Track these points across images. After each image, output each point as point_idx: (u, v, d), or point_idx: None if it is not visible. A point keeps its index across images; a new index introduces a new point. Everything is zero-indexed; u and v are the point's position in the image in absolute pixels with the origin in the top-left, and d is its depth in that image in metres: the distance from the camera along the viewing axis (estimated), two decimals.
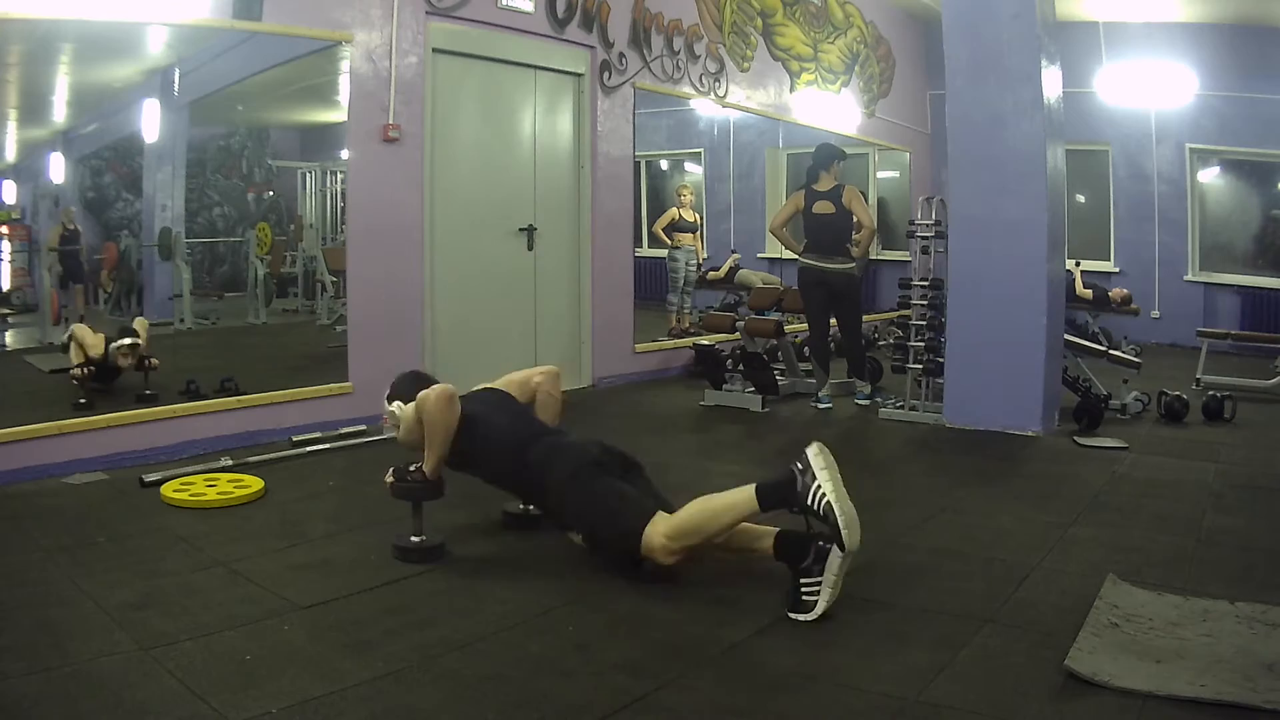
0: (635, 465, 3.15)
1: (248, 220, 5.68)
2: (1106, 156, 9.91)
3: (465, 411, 3.19)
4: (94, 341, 4.52)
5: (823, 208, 5.95)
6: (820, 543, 2.64)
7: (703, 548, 2.84)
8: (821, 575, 2.61)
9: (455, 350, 5.62)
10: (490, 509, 3.50)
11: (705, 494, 2.88)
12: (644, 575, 2.87)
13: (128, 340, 4.57)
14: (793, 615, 2.61)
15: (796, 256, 6.16)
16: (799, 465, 2.69)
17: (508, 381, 3.52)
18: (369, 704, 2.13)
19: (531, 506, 3.40)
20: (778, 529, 2.80)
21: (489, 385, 3.51)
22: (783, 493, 2.69)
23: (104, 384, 4.54)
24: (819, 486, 2.63)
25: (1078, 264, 8.59)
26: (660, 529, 2.79)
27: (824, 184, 6.01)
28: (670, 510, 2.91)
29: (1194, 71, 9.23)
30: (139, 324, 4.72)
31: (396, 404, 3.35)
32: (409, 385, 3.36)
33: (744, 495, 2.75)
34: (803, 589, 2.62)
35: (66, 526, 3.35)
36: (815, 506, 2.63)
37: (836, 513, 2.59)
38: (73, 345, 4.52)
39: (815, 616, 2.59)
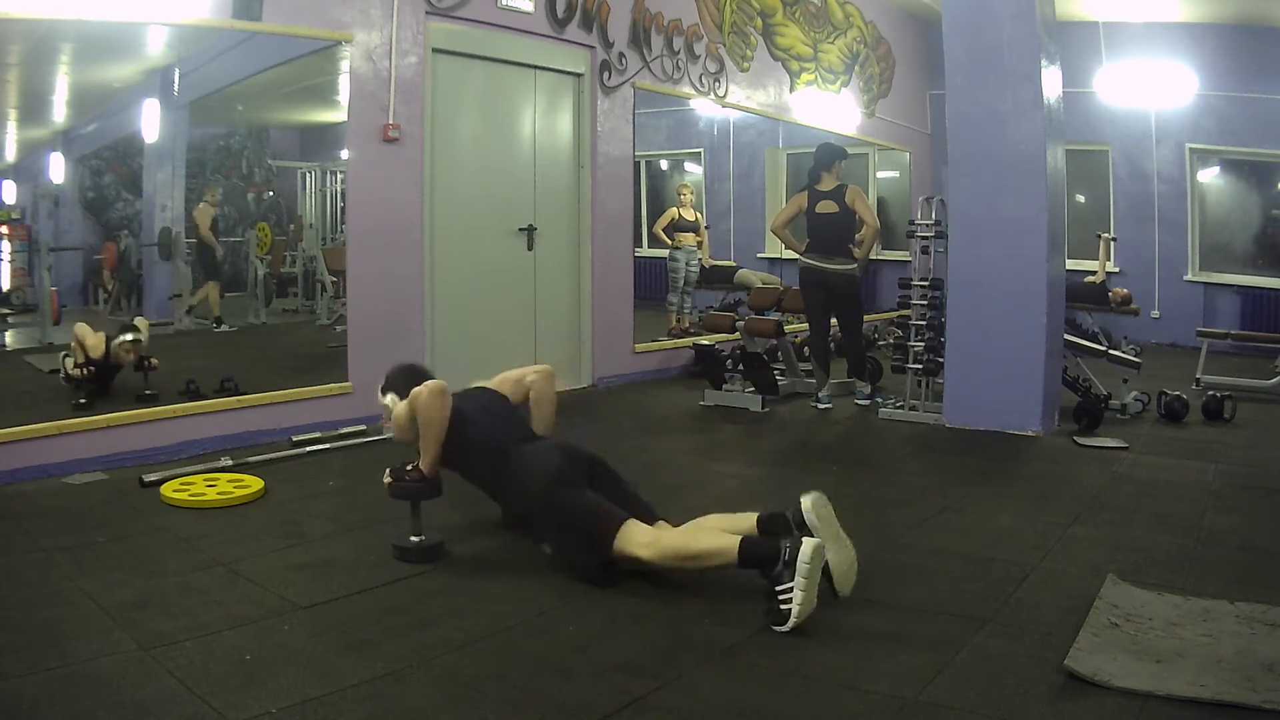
0: (598, 466, 3.12)
1: (248, 220, 5.69)
2: (1106, 156, 9.91)
3: (454, 408, 3.19)
4: (95, 342, 4.52)
5: (826, 207, 5.95)
6: (788, 545, 2.58)
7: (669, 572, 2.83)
8: (793, 580, 2.54)
9: (455, 350, 5.62)
10: (490, 509, 3.50)
11: (702, 517, 2.93)
12: (616, 580, 2.84)
13: (129, 336, 4.57)
14: (773, 627, 2.55)
15: (798, 256, 6.16)
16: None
17: (501, 380, 3.53)
18: (369, 704, 2.13)
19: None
20: (741, 536, 2.73)
21: (482, 384, 3.51)
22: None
23: (103, 382, 4.54)
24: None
25: (1112, 239, 8.79)
26: (637, 539, 2.80)
27: (826, 184, 6.01)
28: (644, 512, 2.94)
29: (1194, 71, 9.23)
30: (140, 323, 4.73)
31: (390, 396, 3.36)
32: (402, 378, 3.37)
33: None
34: (779, 596, 2.55)
35: (66, 526, 3.35)
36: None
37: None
38: (75, 346, 4.52)
39: (791, 626, 2.52)
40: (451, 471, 3.26)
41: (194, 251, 5.47)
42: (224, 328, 5.58)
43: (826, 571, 2.67)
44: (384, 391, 3.41)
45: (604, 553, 2.83)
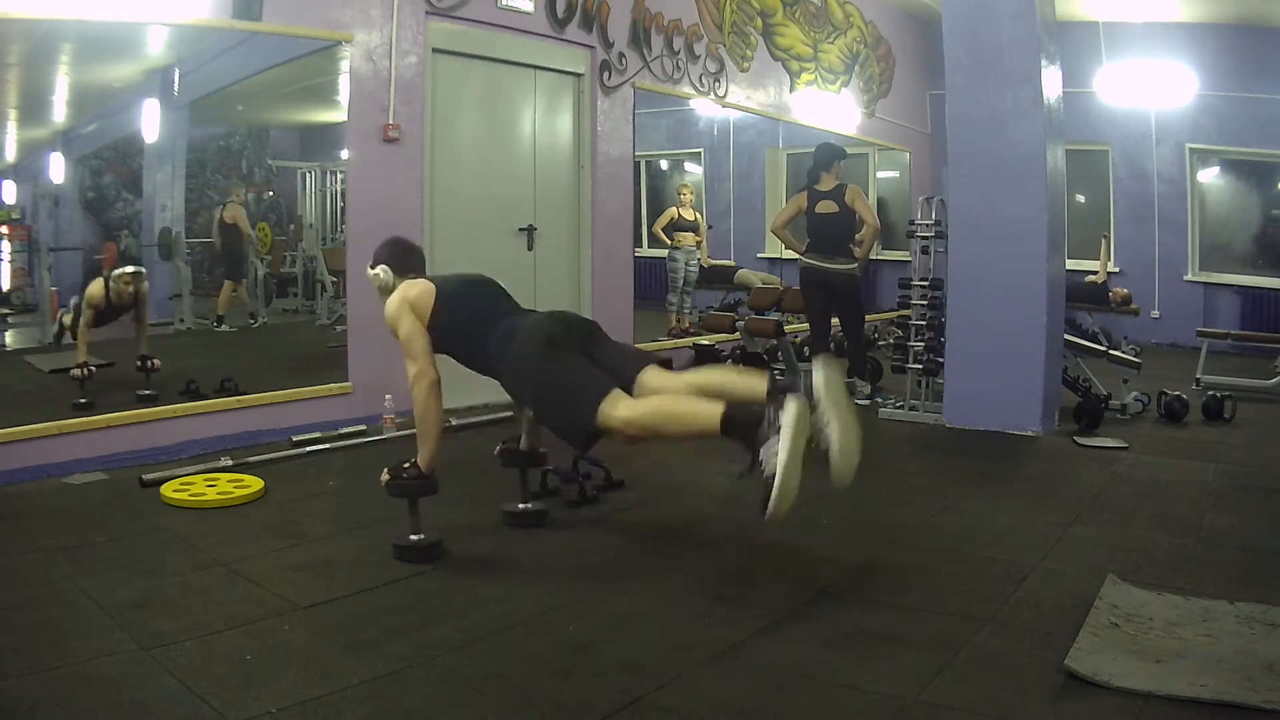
0: (594, 333, 3.11)
1: (248, 220, 5.69)
2: (1106, 156, 9.91)
3: (439, 289, 3.19)
4: (95, 289, 4.55)
5: (826, 207, 5.95)
6: (773, 408, 2.52)
7: (651, 438, 2.82)
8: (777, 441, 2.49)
9: None
10: (490, 509, 3.50)
11: (707, 370, 2.89)
12: (595, 447, 2.83)
13: (130, 269, 4.59)
14: (764, 508, 2.49)
15: (798, 257, 6.16)
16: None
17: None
18: (369, 704, 2.13)
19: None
20: (724, 405, 2.67)
21: (476, 273, 3.48)
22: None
23: (106, 324, 4.58)
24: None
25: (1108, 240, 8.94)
26: (620, 411, 2.76)
27: (826, 184, 6.01)
28: (630, 382, 2.89)
29: (1194, 71, 9.23)
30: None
31: (381, 267, 3.32)
32: (393, 252, 3.35)
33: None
34: (762, 467, 2.51)
35: (66, 526, 3.35)
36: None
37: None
38: (83, 307, 4.55)
39: (775, 496, 2.46)
40: (446, 355, 3.22)
41: (221, 250, 5.57)
42: (224, 327, 5.59)
43: (825, 452, 2.60)
44: (374, 264, 3.36)
45: (588, 421, 2.79)
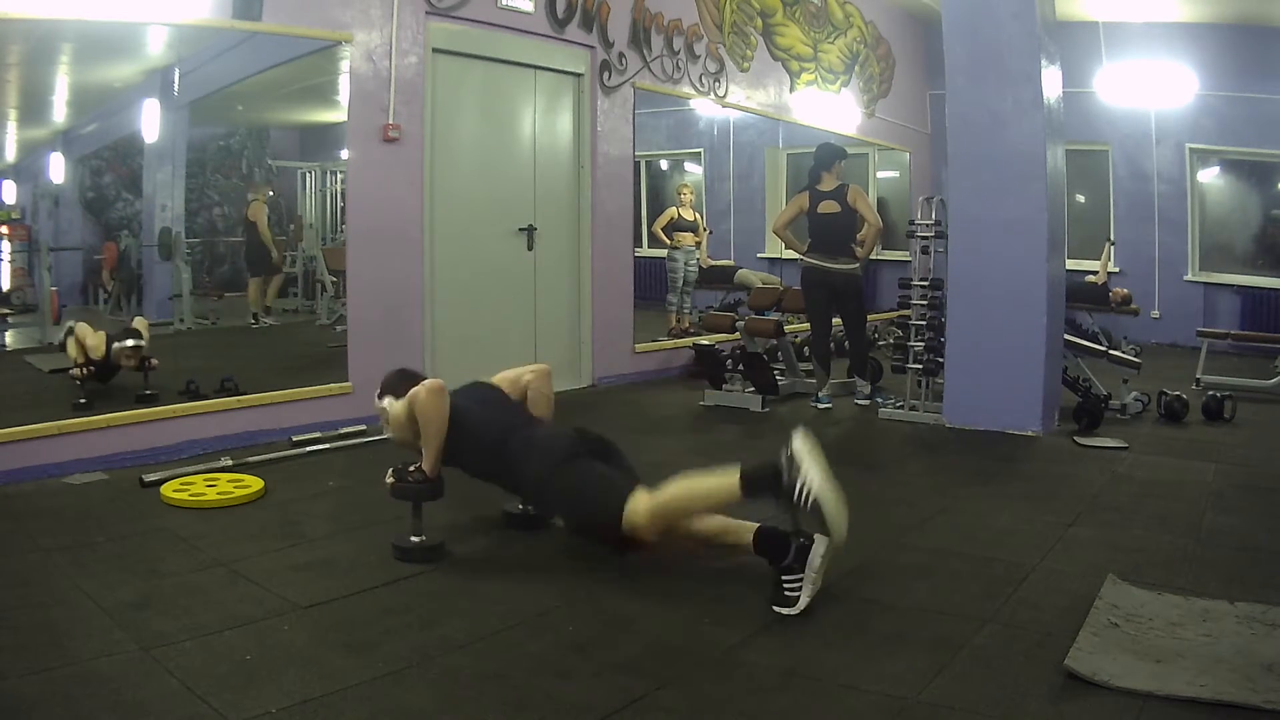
0: (611, 447, 3.17)
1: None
2: (1106, 156, 9.91)
3: (451, 404, 3.20)
4: (95, 342, 4.53)
5: (828, 207, 5.95)
6: (801, 540, 2.67)
7: (683, 531, 2.88)
8: (803, 571, 2.64)
9: (455, 350, 5.62)
10: (490, 509, 3.50)
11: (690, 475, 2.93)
12: (628, 556, 2.91)
13: (131, 342, 4.58)
14: (776, 609, 2.63)
15: (800, 257, 6.16)
16: (785, 455, 2.68)
17: (500, 380, 3.54)
18: (368, 704, 2.13)
19: (521, 504, 3.42)
20: (759, 524, 2.82)
21: (480, 380, 3.51)
22: (768, 484, 2.69)
23: (103, 383, 4.55)
24: (805, 480, 2.62)
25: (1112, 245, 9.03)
26: (642, 506, 2.82)
27: (827, 184, 6.01)
28: (649, 488, 2.93)
29: (1194, 71, 9.23)
30: (139, 323, 4.73)
31: (388, 399, 3.36)
32: (399, 381, 3.37)
33: (728, 482, 2.76)
34: (785, 585, 2.65)
35: (66, 526, 3.35)
36: (801, 501, 2.62)
37: (824, 505, 2.60)
38: (72, 342, 4.52)
39: (798, 611, 2.61)
40: (455, 468, 3.25)
41: (246, 247, 5.61)
42: (267, 321, 5.75)
43: (819, 513, 2.66)
44: (380, 396, 3.42)
45: (614, 519, 2.84)
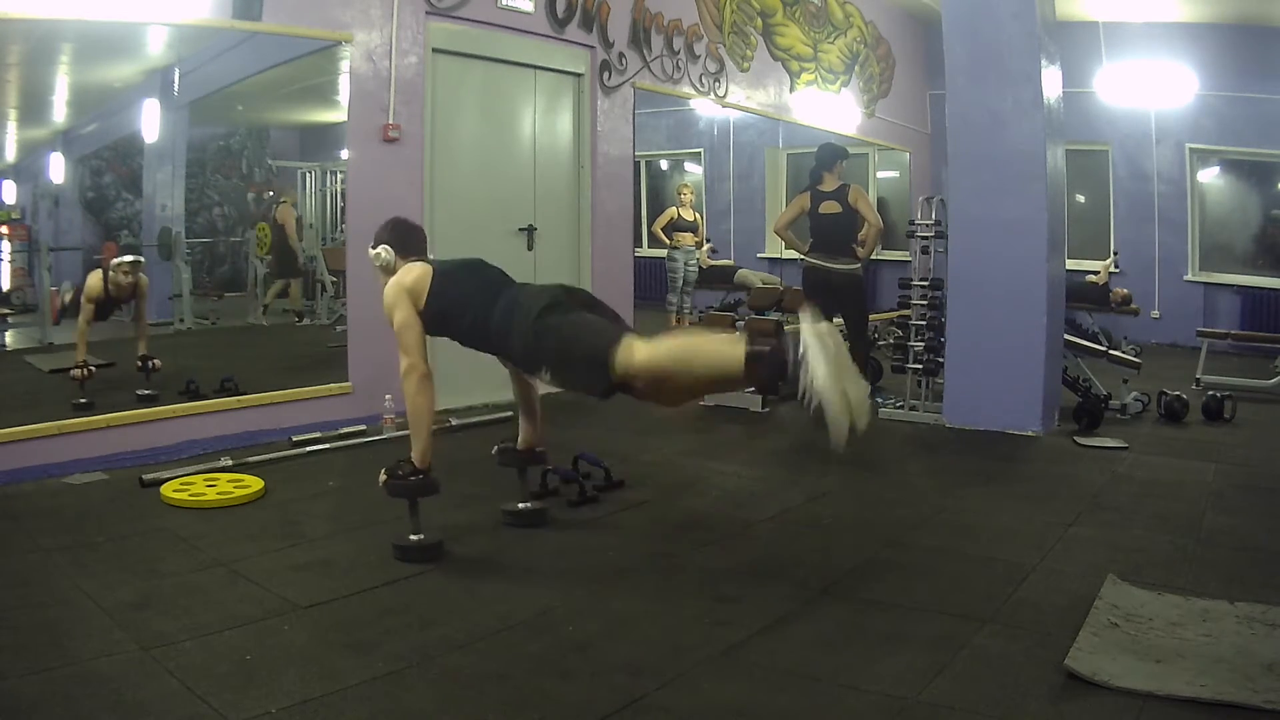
0: (599, 303, 3.09)
1: (248, 220, 5.69)
2: (1106, 156, 9.91)
3: (436, 271, 3.17)
4: (94, 281, 4.57)
5: (829, 208, 5.95)
6: (792, 344, 2.45)
7: (676, 383, 2.71)
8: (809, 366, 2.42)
9: (455, 350, 5.58)
10: (490, 509, 3.50)
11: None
12: (610, 395, 2.76)
13: (129, 258, 4.60)
14: (816, 422, 2.40)
15: (802, 257, 6.16)
16: (795, 348, 2.48)
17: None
18: (369, 704, 2.13)
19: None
20: (745, 344, 2.57)
21: (473, 258, 3.43)
22: (774, 369, 2.50)
23: (103, 319, 4.60)
24: (809, 377, 2.41)
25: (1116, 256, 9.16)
26: (639, 352, 2.68)
27: (829, 184, 6.01)
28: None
29: (1194, 71, 9.23)
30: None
31: (382, 248, 3.30)
32: (394, 233, 3.33)
33: (732, 356, 2.57)
34: (801, 390, 2.43)
35: (66, 526, 3.35)
36: (804, 400, 2.42)
37: (826, 410, 2.39)
38: (81, 300, 4.59)
39: (835, 409, 2.37)
40: (441, 336, 3.19)
41: (273, 252, 5.68)
42: (306, 321, 5.84)
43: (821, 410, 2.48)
44: (375, 244, 3.34)
45: (603, 359, 2.72)
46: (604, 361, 2.70)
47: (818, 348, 2.44)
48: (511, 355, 3.09)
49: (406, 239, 3.34)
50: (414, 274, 3.17)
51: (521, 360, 3.04)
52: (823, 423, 2.43)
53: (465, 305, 3.11)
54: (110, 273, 4.61)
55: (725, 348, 2.61)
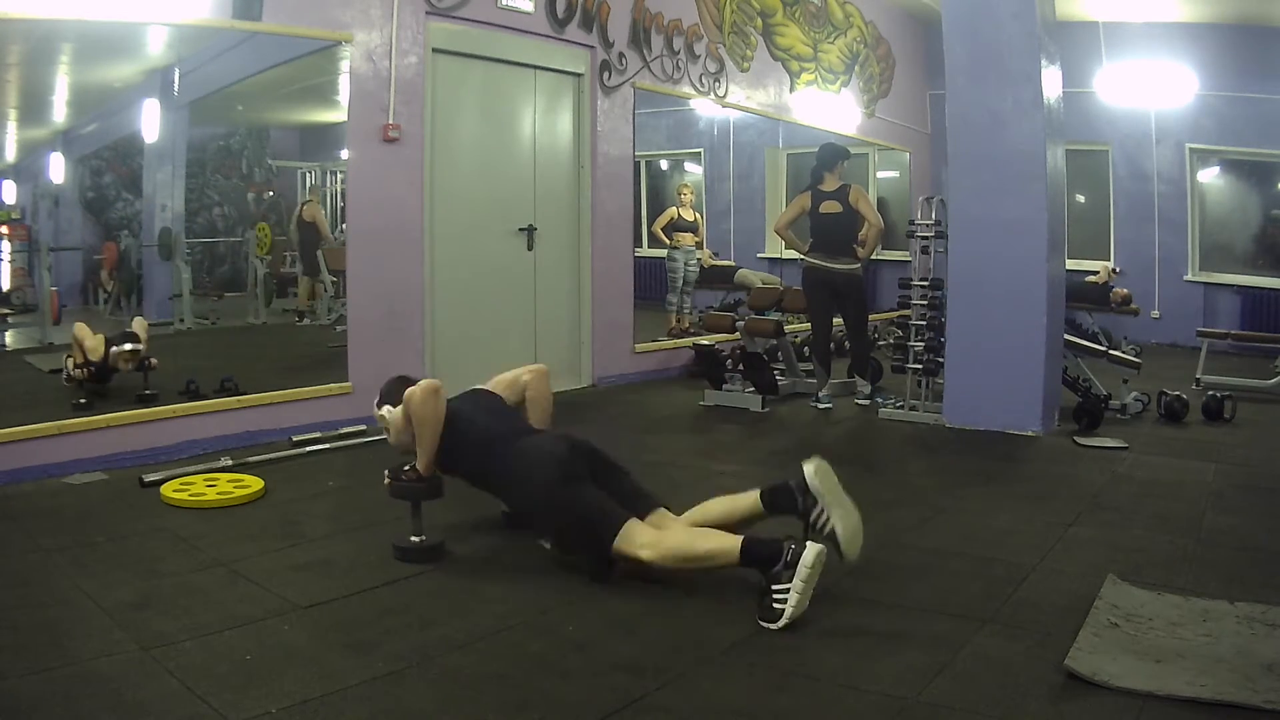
0: (600, 457, 3.11)
1: (248, 220, 5.68)
2: (1106, 156, 9.91)
3: (449, 409, 3.20)
4: (94, 344, 4.53)
5: (830, 207, 5.96)
6: (793, 546, 2.59)
7: (669, 574, 2.82)
8: (790, 582, 2.54)
9: (455, 350, 5.62)
10: (490, 509, 3.50)
11: (704, 503, 3.01)
12: (614, 578, 2.86)
13: (129, 346, 4.59)
14: (762, 623, 2.55)
15: (802, 257, 6.16)
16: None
17: (497, 382, 3.54)
18: (369, 704, 2.13)
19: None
20: (744, 537, 2.73)
21: (477, 387, 3.51)
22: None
23: (101, 384, 4.55)
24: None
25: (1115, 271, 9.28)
26: (644, 552, 2.77)
27: (829, 184, 6.02)
28: (645, 504, 2.95)
29: (1194, 71, 9.23)
30: (138, 324, 4.73)
31: (386, 408, 3.36)
32: (396, 389, 3.36)
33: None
34: (774, 595, 2.56)
35: (66, 526, 3.35)
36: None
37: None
38: (73, 344, 4.53)
39: (783, 624, 2.52)
40: (452, 475, 3.24)
41: (302, 251, 5.74)
42: (306, 321, 5.89)
43: (833, 537, 2.79)
44: (379, 405, 3.42)
45: (605, 551, 2.83)
46: (604, 553, 2.84)
47: (804, 582, 2.56)
48: (515, 510, 3.26)
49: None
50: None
51: (525, 520, 3.17)
52: (834, 540, 2.78)
53: (474, 444, 3.18)
54: (110, 355, 4.54)
55: (724, 545, 2.74)
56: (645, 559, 2.78)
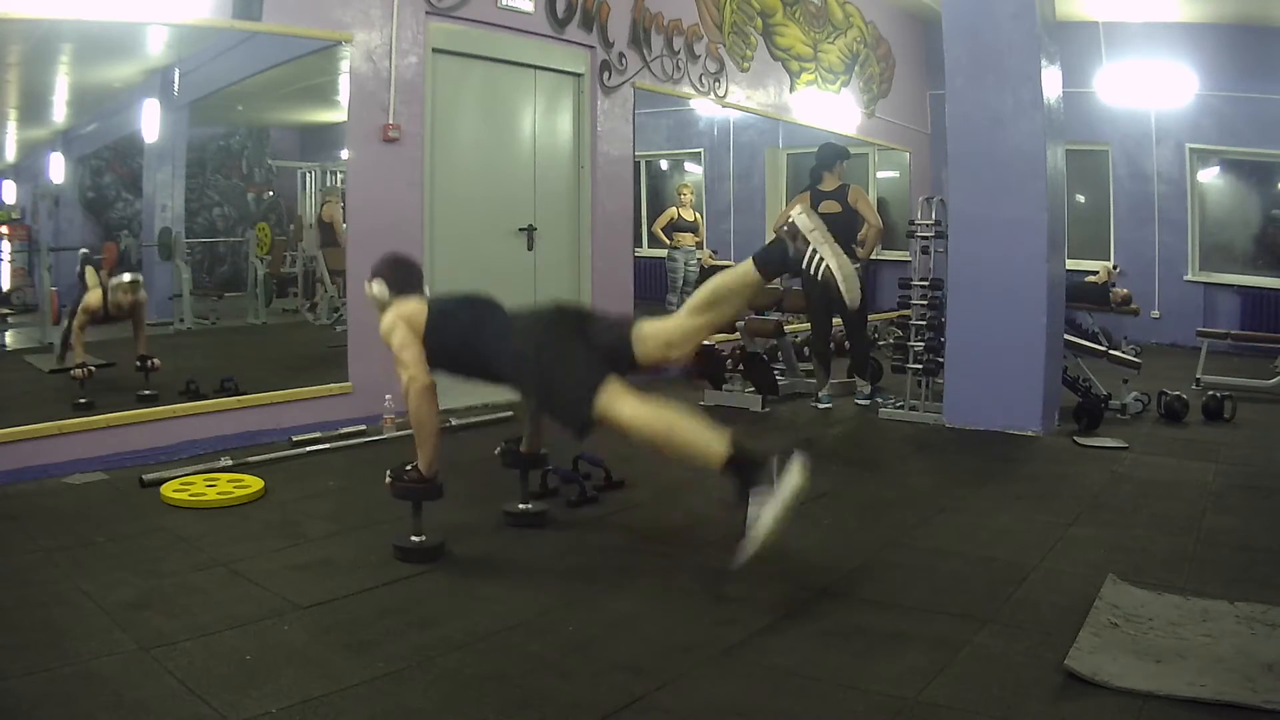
0: (592, 320, 3.11)
1: (248, 220, 5.69)
2: (1106, 156, 9.91)
3: (430, 306, 3.19)
4: (93, 299, 4.59)
5: (829, 207, 5.95)
6: (776, 461, 2.57)
7: (646, 444, 2.80)
8: (771, 492, 2.57)
9: None
10: (490, 509, 3.50)
11: (700, 288, 3.01)
12: (589, 435, 2.89)
13: (127, 277, 4.61)
14: (746, 543, 2.56)
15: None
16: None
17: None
18: (369, 704, 2.13)
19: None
20: (732, 444, 2.70)
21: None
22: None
23: (99, 326, 4.63)
24: (814, 250, 2.67)
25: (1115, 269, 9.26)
26: (624, 407, 2.78)
27: (829, 184, 6.02)
28: (629, 345, 2.98)
29: (1194, 71, 9.23)
30: (128, 277, 4.79)
31: (377, 281, 3.32)
32: (391, 269, 3.35)
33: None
34: (749, 505, 2.58)
35: (66, 526, 3.35)
36: (814, 270, 2.69)
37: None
38: (79, 313, 4.61)
39: (762, 537, 2.55)
40: (437, 371, 3.19)
41: (320, 245, 5.72)
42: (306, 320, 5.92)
43: (829, 275, 2.82)
44: (372, 278, 3.36)
45: (588, 409, 2.81)
46: (587, 403, 2.81)
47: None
48: (500, 379, 3.17)
49: (402, 276, 3.36)
50: (410, 308, 3.20)
51: (509, 382, 3.14)
52: (833, 284, 2.81)
53: (460, 338, 3.15)
54: (109, 292, 4.59)
55: (708, 444, 2.71)
56: (626, 417, 2.78)
